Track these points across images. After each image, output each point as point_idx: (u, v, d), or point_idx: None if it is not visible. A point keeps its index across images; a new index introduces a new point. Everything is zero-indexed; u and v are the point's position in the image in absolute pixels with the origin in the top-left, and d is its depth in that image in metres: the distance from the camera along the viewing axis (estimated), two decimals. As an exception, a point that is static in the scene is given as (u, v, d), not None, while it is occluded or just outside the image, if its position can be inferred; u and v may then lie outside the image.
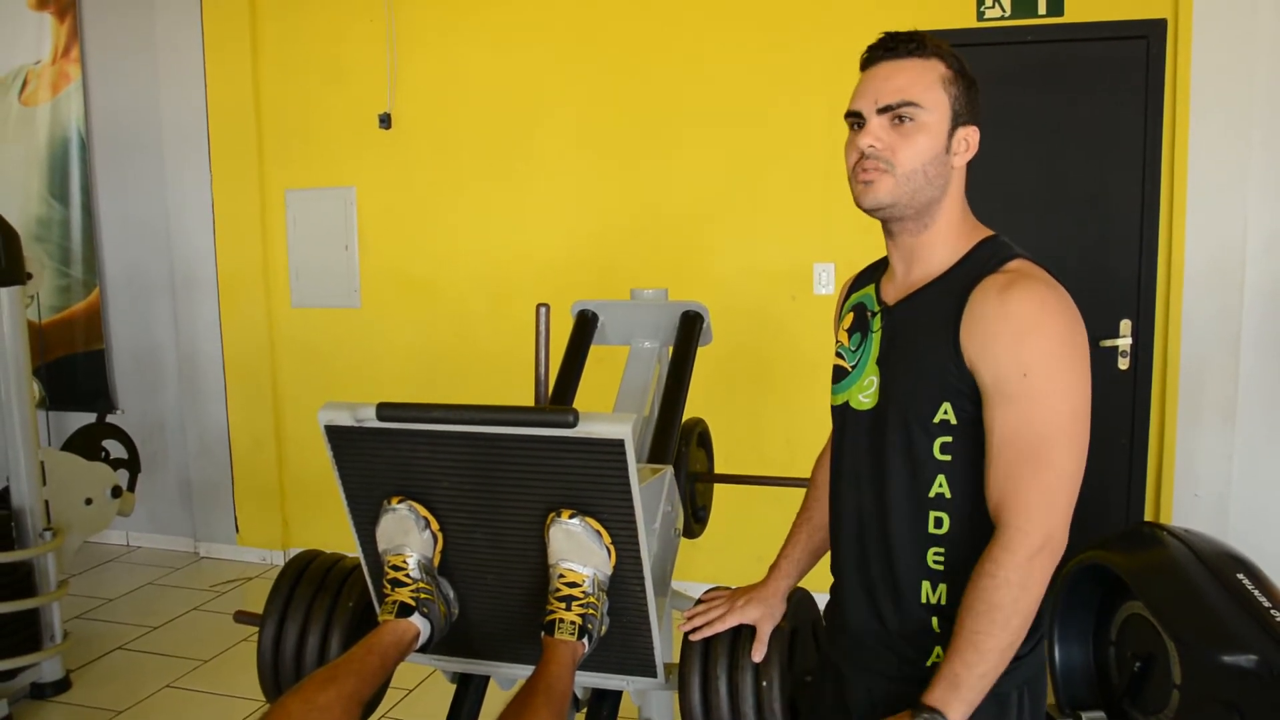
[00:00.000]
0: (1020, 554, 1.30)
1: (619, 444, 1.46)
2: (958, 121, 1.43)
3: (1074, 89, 3.84)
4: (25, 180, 5.26)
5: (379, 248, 4.80)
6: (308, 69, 4.79)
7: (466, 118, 4.58)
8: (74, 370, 5.28)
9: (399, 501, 1.63)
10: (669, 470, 1.96)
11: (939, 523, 1.42)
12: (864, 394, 1.51)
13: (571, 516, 1.54)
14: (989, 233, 1.49)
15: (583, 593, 1.54)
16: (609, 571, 1.57)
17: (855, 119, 1.45)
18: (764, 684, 1.55)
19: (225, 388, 5.06)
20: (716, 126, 4.25)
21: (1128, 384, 3.90)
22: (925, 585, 1.44)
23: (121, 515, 4.16)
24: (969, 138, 1.44)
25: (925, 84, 1.42)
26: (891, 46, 1.45)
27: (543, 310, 1.84)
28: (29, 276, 3.61)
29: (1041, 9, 3.79)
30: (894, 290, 1.52)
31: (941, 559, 1.43)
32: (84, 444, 4.29)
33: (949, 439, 1.40)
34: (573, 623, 1.52)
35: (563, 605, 1.53)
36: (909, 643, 1.46)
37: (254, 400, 5.03)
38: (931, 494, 1.42)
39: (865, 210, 1.46)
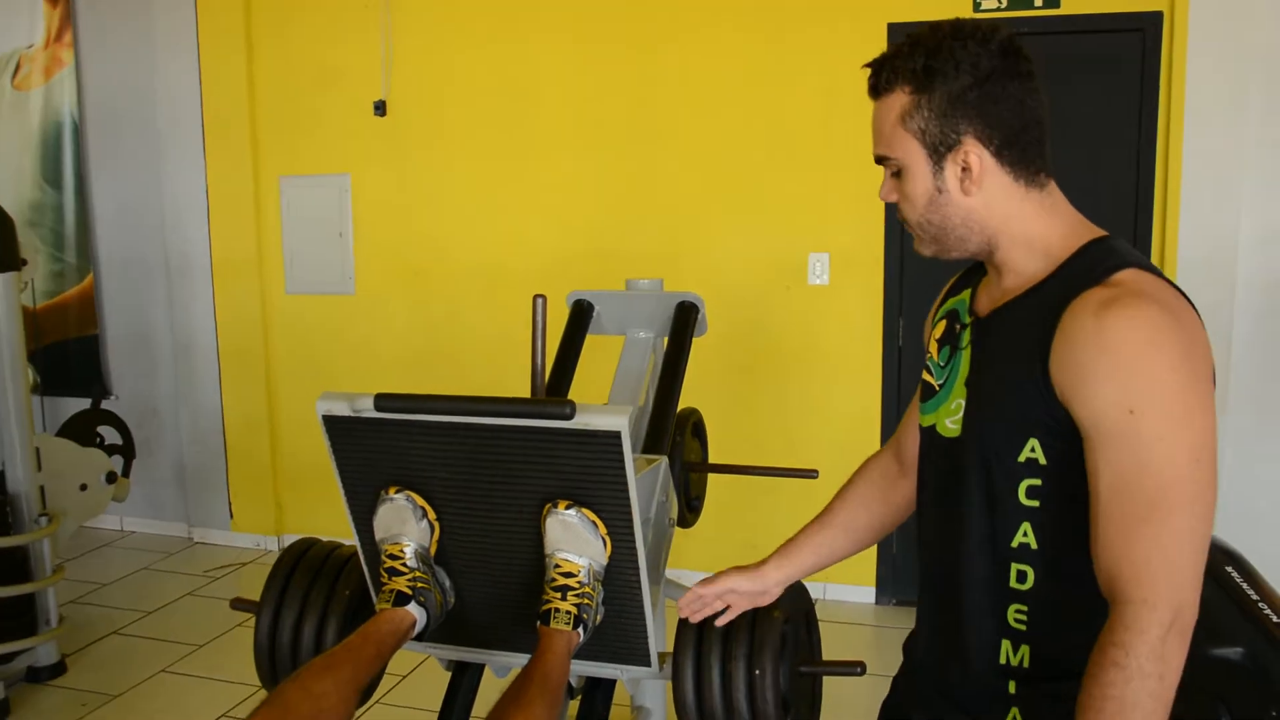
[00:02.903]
0: (1151, 633, 1.08)
1: (615, 436, 1.47)
2: (941, 151, 1.24)
3: (1069, 82, 3.84)
4: (18, 165, 5.24)
5: (374, 235, 4.80)
6: (303, 56, 4.78)
7: (462, 105, 4.57)
8: (67, 355, 5.28)
9: (396, 491, 1.64)
10: (664, 461, 1.97)
11: (1022, 576, 1.25)
12: (950, 419, 1.33)
13: (568, 507, 1.55)
14: (1098, 233, 1.26)
15: (578, 583, 1.55)
16: (604, 562, 1.58)
17: None
18: (756, 673, 1.57)
19: (219, 374, 5.06)
20: (712, 116, 4.25)
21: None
22: (1005, 645, 1.28)
23: (116, 501, 4.17)
24: (967, 160, 1.23)
25: (888, 129, 1.26)
26: (871, 86, 1.29)
27: (539, 301, 1.84)
28: (24, 262, 3.60)
29: (1037, 1, 3.79)
30: (989, 299, 1.33)
31: (1024, 618, 1.26)
32: (79, 430, 4.29)
33: (1037, 481, 1.22)
34: (568, 612, 1.53)
35: (558, 595, 1.55)
36: (980, 705, 1.32)
37: (248, 387, 5.03)
38: (1014, 544, 1.24)
39: None
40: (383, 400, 1.55)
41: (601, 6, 4.34)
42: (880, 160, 1.30)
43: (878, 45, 1.32)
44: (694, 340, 2.38)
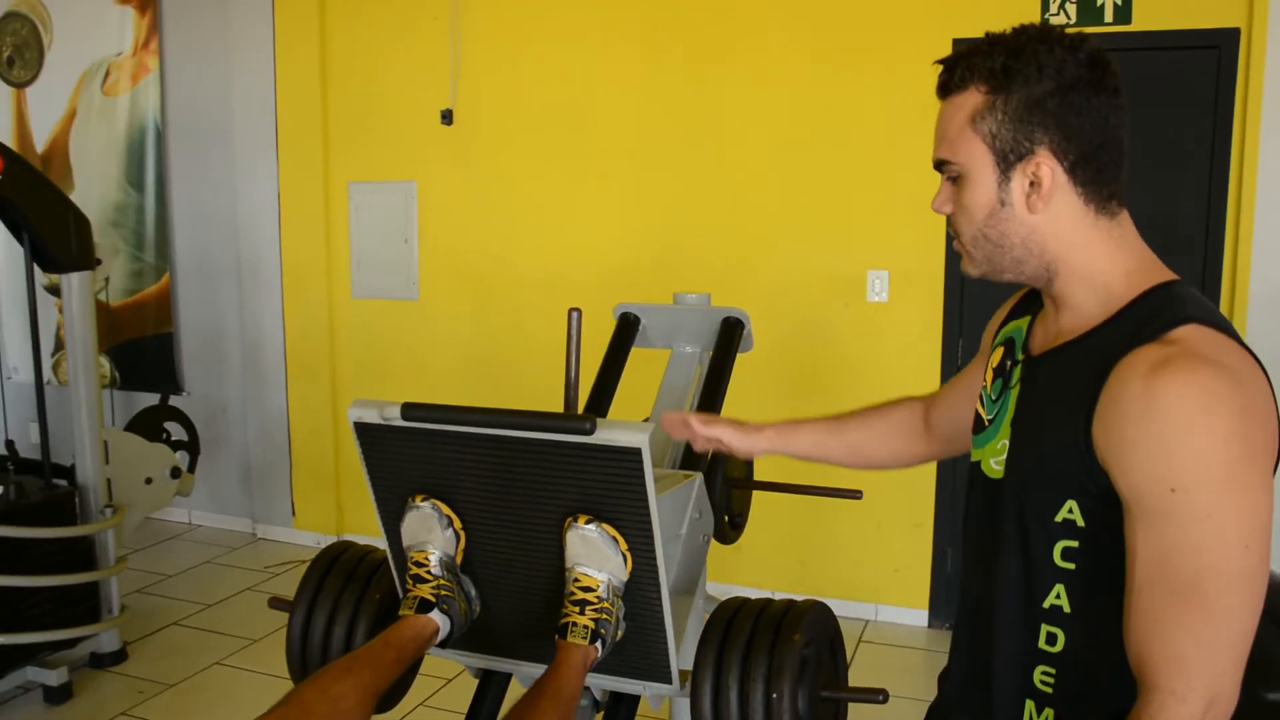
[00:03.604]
0: None
1: (636, 453, 1.47)
2: (1010, 160, 1.14)
3: (1139, 101, 3.69)
4: (105, 167, 5.44)
5: (438, 242, 4.87)
6: (373, 65, 4.88)
7: (527, 115, 4.62)
8: (143, 352, 5.46)
9: (423, 499, 1.66)
10: (699, 477, 1.96)
11: (1052, 639, 1.18)
12: (995, 459, 1.26)
13: (588, 522, 1.55)
14: (1166, 277, 1.16)
15: (597, 598, 1.55)
16: (624, 577, 1.58)
17: None
18: (774, 696, 1.56)
19: (286, 374, 5.19)
20: (773, 130, 4.23)
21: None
22: (1029, 705, 1.22)
23: (181, 495, 4.30)
24: (1037, 173, 1.13)
25: (955, 130, 1.17)
26: (941, 83, 1.20)
27: (574, 315, 1.86)
28: (98, 262, 3.73)
29: (1108, 17, 3.70)
30: (1044, 335, 1.24)
31: (1051, 680, 1.19)
32: (146, 425, 4.42)
33: (1073, 544, 1.14)
34: (585, 627, 1.54)
35: (577, 609, 1.55)
36: None
37: (313, 387, 5.15)
38: (1046, 604, 1.17)
39: None
40: (410, 410, 1.58)
41: (665, 20, 4.35)
42: (939, 165, 1.21)
43: (942, 60, 1.23)
44: (749, 355, 2.37)
